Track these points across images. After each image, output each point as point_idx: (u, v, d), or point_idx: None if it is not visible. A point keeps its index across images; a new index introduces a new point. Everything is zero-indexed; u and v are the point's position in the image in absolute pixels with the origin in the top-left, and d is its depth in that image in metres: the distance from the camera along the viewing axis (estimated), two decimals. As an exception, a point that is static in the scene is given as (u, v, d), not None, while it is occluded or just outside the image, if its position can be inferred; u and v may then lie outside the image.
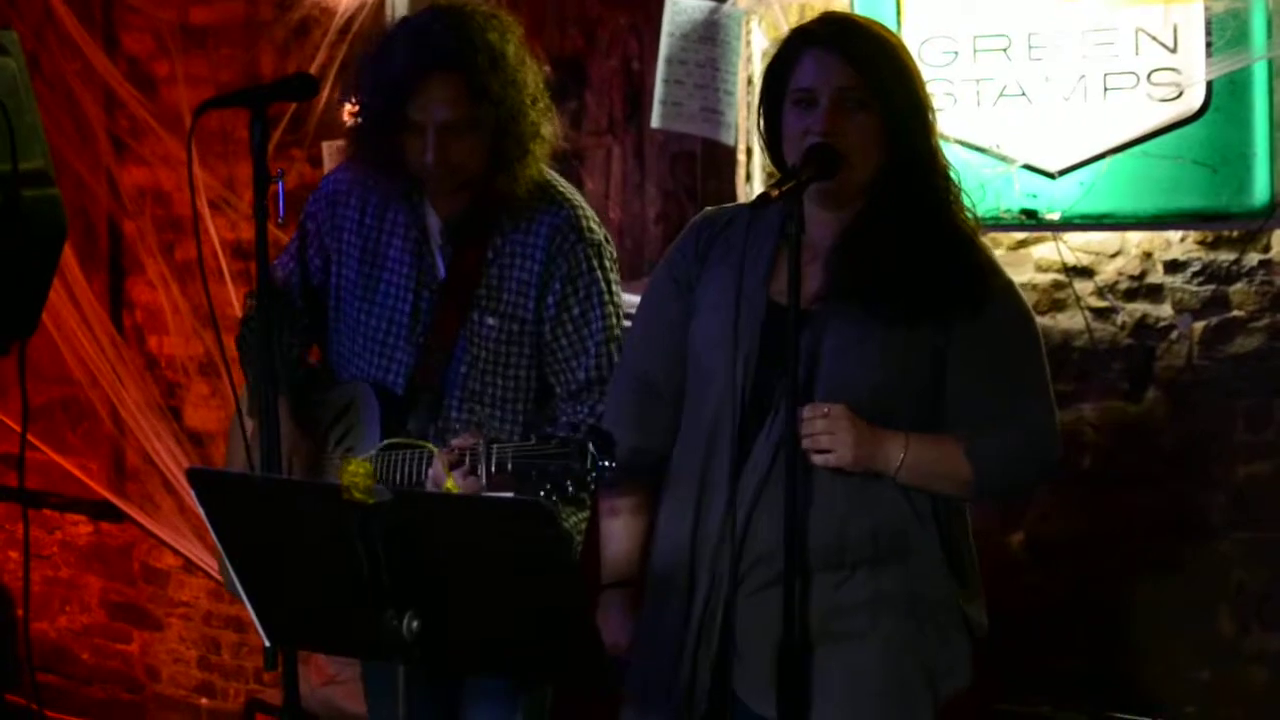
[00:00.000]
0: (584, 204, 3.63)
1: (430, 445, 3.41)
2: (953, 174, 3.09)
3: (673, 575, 3.13)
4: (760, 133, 3.14)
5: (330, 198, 3.72)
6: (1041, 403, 3.09)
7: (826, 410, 2.95)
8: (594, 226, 3.58)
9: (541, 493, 3.06)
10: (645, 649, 3.20)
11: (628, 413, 3.27)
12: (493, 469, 3.17)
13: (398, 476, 3.54)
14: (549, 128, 3.53)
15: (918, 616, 3.04)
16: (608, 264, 3.60)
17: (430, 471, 3.37)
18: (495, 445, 3.18)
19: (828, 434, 2.94)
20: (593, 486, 3.09)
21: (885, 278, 2.98)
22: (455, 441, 3.28)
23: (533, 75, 3.51)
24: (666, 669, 3.12)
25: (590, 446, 3.01)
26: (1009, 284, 3.10)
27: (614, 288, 3.61)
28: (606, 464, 3.00)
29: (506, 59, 3.43)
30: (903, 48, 3.12)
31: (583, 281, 3.55)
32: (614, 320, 3.59)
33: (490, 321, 3.54)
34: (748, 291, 3.01)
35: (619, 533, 3.31)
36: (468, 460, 3.21)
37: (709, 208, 3.23)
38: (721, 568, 3.04)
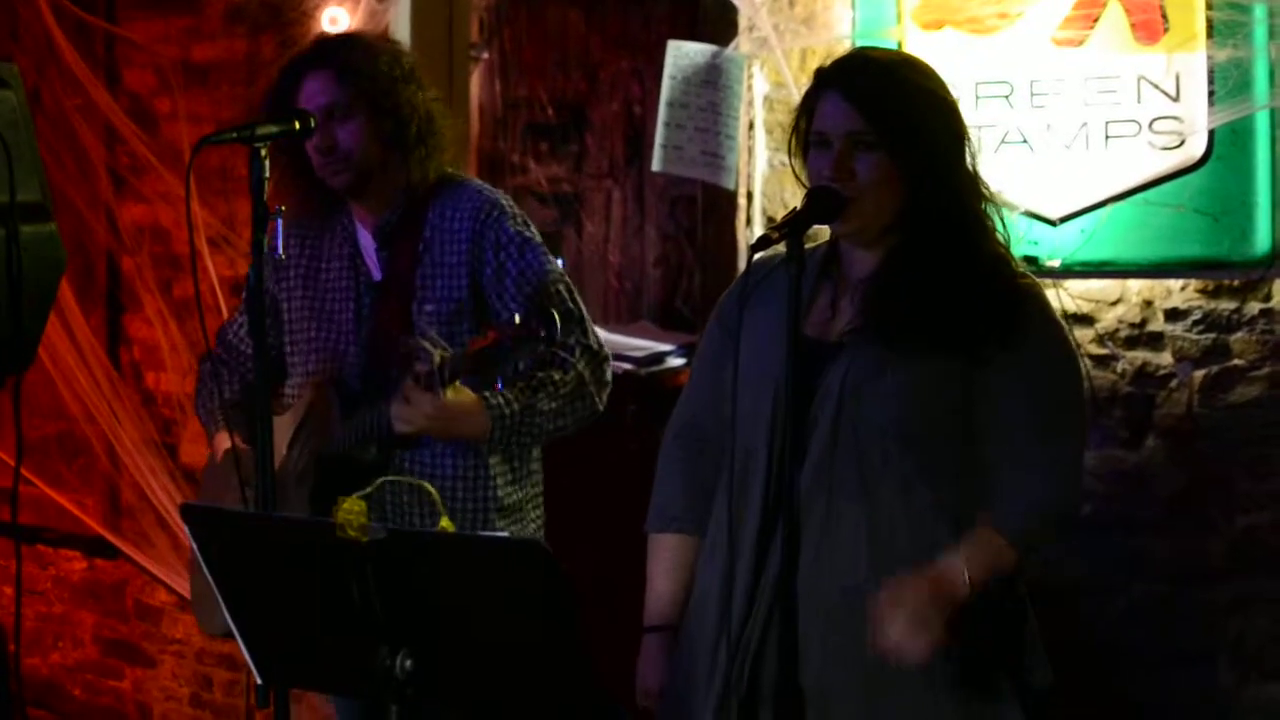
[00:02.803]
0: (505, 195, 3.76)
1: (427, 485, 3.41)
2: (989, 208, 3.05)
3: (704, 620, 3.08)
4: (795, 172, 3.11)
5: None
6: (1065, 450, 3.02)
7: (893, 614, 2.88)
8: (514, 206, 3.71)
9: (512, 370, 3.25)
10: (670, 697, 3.15)
11: (677, 465, 3.26)
12: (446, 378, 3.32)
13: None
14: (439, 116, 3.69)
15: (967, 679, 2.96)
16: (534, 231, 3.71)
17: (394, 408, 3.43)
18: (447, 359, 3.33)
19: (908, 637, 2.87)
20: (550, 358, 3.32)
21: (910, 310, 2.96)
22: (419, 367, 3.37)
23: (411, 69, 3.70)
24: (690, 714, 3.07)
25: (541, 330, 3.17)
26: (1048, 319, 3.04)
27: (544, 248, 3.70)
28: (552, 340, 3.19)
29: (374, 48, 3.67)
30: (922, 85, 3.03)
31: (514, 244, 3.63)
32: (554, 265, 3.67)
33: (428, 308, 3.60)
34: (774, 329, 2.99)
35: (661, 575, 3.25)
36: (423, 381, 3.35)
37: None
38: (757, 612, 2.98)
